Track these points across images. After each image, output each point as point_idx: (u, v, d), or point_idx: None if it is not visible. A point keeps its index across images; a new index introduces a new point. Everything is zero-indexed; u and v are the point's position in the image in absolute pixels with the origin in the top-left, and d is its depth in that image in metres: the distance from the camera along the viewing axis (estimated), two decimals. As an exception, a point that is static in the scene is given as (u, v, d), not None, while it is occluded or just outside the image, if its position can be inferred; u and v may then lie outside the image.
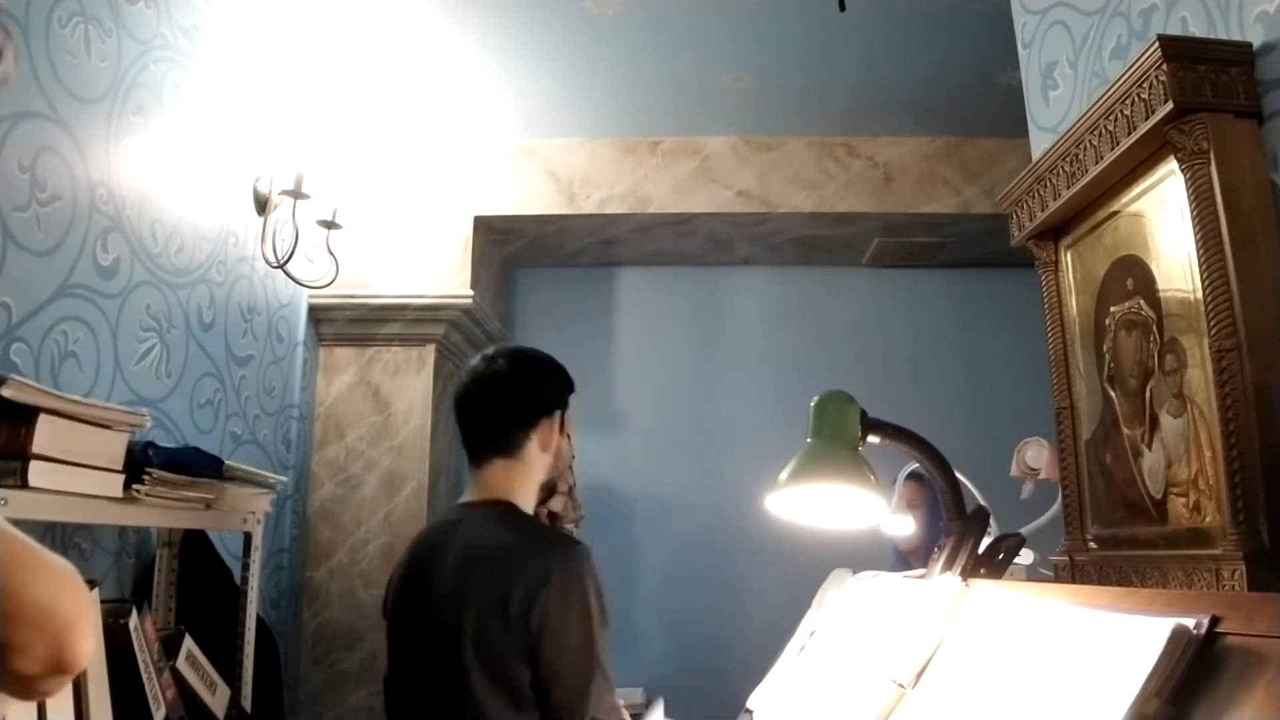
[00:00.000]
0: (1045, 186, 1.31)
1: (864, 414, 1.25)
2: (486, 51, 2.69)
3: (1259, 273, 0.95)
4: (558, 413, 1.46)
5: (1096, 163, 1.16)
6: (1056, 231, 1.35)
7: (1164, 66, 1.00)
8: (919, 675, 0.99)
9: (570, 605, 1.26)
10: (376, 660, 2.84)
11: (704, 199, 3.25)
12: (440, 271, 3.13)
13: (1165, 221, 1.09)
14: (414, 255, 3.13)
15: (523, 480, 1.43)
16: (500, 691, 1.25)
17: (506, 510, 1.40)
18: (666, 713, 1.64)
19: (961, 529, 1.24)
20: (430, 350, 3.11)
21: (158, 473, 1.49)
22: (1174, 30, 1.17)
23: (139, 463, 1.46)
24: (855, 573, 1.51)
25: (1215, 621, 0.68)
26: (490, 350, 1.49)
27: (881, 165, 3.26)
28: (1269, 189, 0.99)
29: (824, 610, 1.50)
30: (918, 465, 2.12)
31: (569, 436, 1.55)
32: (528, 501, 1.45)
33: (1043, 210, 1.32)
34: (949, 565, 1.22)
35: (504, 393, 1.43)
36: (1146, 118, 1.04)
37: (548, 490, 1.56)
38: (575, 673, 1.26)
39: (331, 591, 2.90)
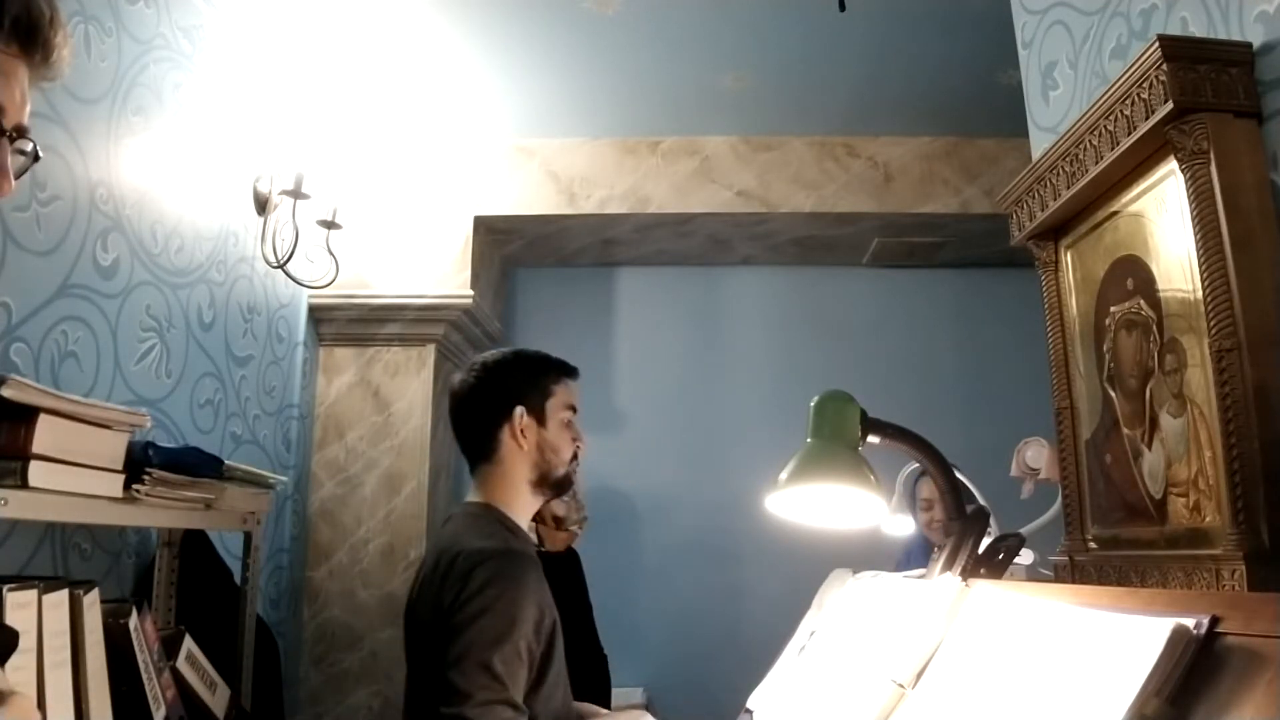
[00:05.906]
0: (1045, 186, 1.31)
1: (864, 414, 1.25)
2: (486, 51, 2.69)
3: (1259, 273, 0.95)
4: (519, 408, 1.46)
5: (1096, 163, 1.16)
6: (1056, 231, 1.35)
7: (1164, 66, 1.00)
8: (919, 675, 0.99)
9: (480, 605, 1.25)
10: (376, 660, 2.84)
11: (704, 199, 3.25)
12: (440, 271, 3.13)
13: (1165, 221, 1.09)
14: (414, 255, 3.13)
15: (503, 481, 1.47)
16: (429, 686, 1.27)
17: (481, 511, 1.45)
18: (668, 713, 1.64)
19: (961, 529, 1.24)
20: (430, 350, 3.11)
21: (158, 473, 1.49)
22: (1174, 30, 1.17)
23: (139, 463, 1.46)
24: (855, 573, 1.51)
25: (1215, 621, 0.68)
26: (472, 360, 1.54)
27: (881, 165, 3.26)
28: (1269, 189, 0.99)
29: (824, 610, 1.50)
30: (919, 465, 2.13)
31: (566, 423, 1.49)
32: (515, 500, 1.47)
33: (1043, 210, 1.32)
34: (949, 565, 1.22)
35: (466, 404, 1.50)
36: (1146, 118, 1.04)
37: (549, 484, 1.49)
38: (460, 666, 1.21)
39: (331, 591, 2.90)
